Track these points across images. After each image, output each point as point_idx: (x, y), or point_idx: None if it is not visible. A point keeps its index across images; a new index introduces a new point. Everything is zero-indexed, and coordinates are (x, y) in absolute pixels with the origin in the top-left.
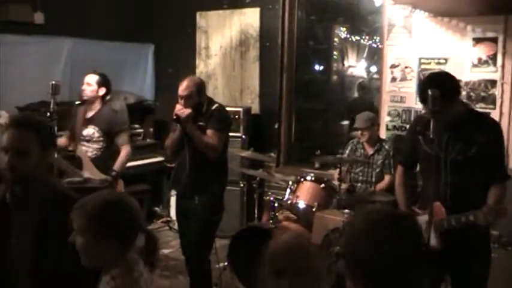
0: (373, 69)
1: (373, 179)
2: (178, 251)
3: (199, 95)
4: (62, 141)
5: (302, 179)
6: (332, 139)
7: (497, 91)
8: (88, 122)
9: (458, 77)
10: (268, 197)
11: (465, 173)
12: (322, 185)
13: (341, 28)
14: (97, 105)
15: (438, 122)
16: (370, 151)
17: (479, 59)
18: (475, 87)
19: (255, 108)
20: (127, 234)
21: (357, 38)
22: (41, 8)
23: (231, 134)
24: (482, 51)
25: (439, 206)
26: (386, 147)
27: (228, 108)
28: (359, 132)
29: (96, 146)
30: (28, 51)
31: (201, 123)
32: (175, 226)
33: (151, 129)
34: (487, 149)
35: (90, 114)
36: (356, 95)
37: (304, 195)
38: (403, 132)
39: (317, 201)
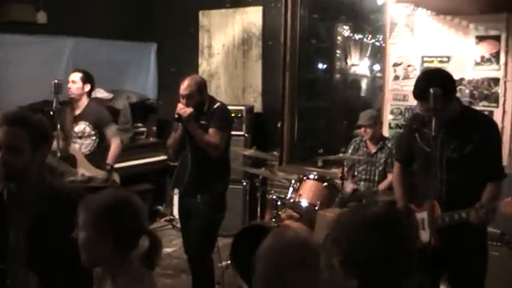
0: (377, 67)
1: (376, 178)
2: (181, 250)
3: (200, 94)
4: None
5: (305, 178)
6: (335, 138)
7: (500, 89)
8: (78, 118)
9: (461, 75)
10: (270, 196)
11: (460, 171)
12: (325, 184)
13: (344, 26)
14: (84, 102)
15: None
16: (373, 149)
17: (482, 57)
18: (478, 85)
19: (258, 107)
20: (130, 234)
21: (360, 36)
22: (44, 8)
23: (233, 132)
24: (485, 49)
25: (434, 203)
26: (389, 145)
27: (230, 107)
28: (362, 130)
29: (88, 141)
30: (31, 50)
31: (202, 122)
32: (178, 225)
33: (154, 128)
34: (483, 148)
35: (78, 111)
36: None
37: (306, 194)
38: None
39: (320, 199)
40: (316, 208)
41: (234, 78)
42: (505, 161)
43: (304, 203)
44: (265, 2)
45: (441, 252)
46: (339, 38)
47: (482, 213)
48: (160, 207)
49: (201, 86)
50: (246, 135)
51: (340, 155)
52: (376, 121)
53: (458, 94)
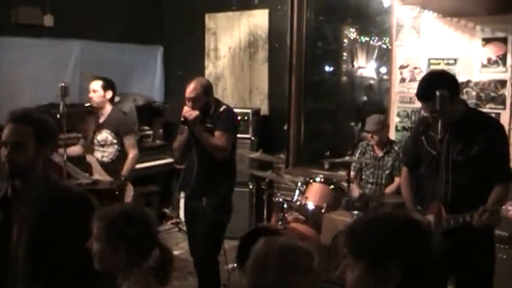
0: (383, 70)
1: (383, 181)
2: (188, 252)
3: (206, 97)
4: (75, 149)
5: (311, 180)
6: (341, 140)
7: (507, 91)
8: (101, 126)
9: (467, 78)
10: (277, 198)
11: (466, 173)
12: (331, 186)
13: (350, 29)
14: (107, 109)
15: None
16: (379, 153)
17: (489, 59)
18: (485, 87)
19: (264, 110)
20: (141, 248)
21: (366, 39)
22: (51, 11)
23: (240, 135)
24: (491, 51)
25: (439, 206)
26: (396, 148)
27: (236, 110)
28: (369, 135)
29: (111, 149)
30: (37, 53)
31: (208, 125)
32: (185, 227)
33: (160, 131)
34: (489, 150)
35: (102, 119)
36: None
37: (313, 197)
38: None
39: (326, 202)
40: (323, 211)
41: (240, 81)
42: None
43: (311, 205)
44: (272, 5)
45: (448, 254)
46: (346, 40)
47: (485, 216)
48: (166, 210)
49: (207, 89)
50: (253, 138)
51: (347, 157)
52: (383, 126)
53: (465, 96)
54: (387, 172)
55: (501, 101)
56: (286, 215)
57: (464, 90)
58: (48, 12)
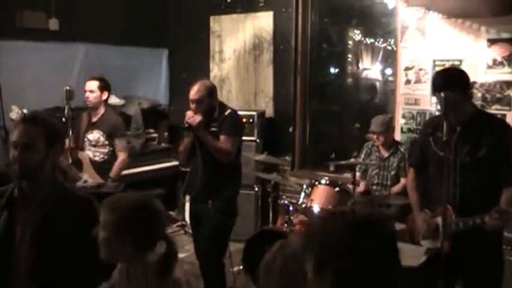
0: (388, 71)
1: (389, 182)
2: (193, 255)
3: (210, 99)
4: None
5: (316, 183)
6: (347, 142)
7: None
8: (93, 126)
9: (473, 79)
10: (282, 201)
11: (474, 175)
12: (337, 189)
13: (355, 31)
14: (101, 110)
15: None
16: (385, 154)
17: (494, 60)
18: (490, 88)
19: (269, 112)
20: (149, 238)
21: (371, 40)
22: (56, 15)
23: (245, 138)
24: (497, 52)
25: (448, 208)
26: (402, 150)
27: (242, 112)
28: (374, 136)
29: (103, 150)
30: (43, 57)
31: (213, 129)
32: (190, 230)
33: (165, 134)
34: (497, 152)
35: (94, 119)
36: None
37: (318, 199)
38: (418, 135)
39: (332, 204)
40: None
41: (245, 83)
42: None
43: (316, 208)
44: (276, 7)
45: (456, 257)
46: (350, 42)
47: (495, 219)
48: (172, 213)
49: (211, 91)
50: (258, 140)
51: (352, 159)
52: (389, 127)
53: None
54: (393, 173)
55: (507, 102)
56: (291, 218)
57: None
58: (53, 16)
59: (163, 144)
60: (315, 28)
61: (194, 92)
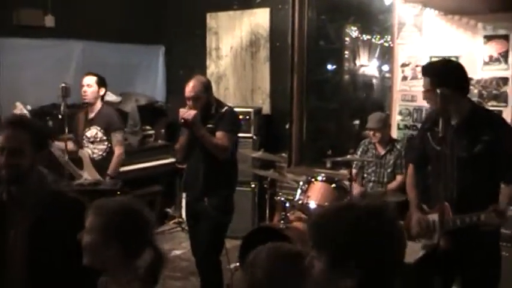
0: (385, 68)
1: (385, 179)
2: (190, 252)
3: (206, 94)
4: (69, 145)
5: (313, 179)
6: (343, 139)
7: (509, 89)
8: (91, 123)
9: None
10: (279, 198)
11: (471, 171)
12: (333, 185)
13: (352, 27)
14: (98, 105)
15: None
16: (382, 151)
17: (491, 57)
18: (487, 85)
19: (266, 109)
20: (135, 244)
21: (368, 37)
22: (52, 12)
23: (242, 134)
24: (493, 48)
25: (446, 205)
26: (398, 147)
27: (239, 109)
28: (371, 133)
29: (101, 146)
30: (39, 54)
31: (210, 126)
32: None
33: (162, 131)
34: (494, 148)
35: (91, 115)
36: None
37: (315, 196)
38: (414, 132)
39: (328, 201)
40: None
41: (242, 80)
42: None
43: (313, 204)
44: (273, 4)
45: (453, 254)
46: (347, 38)
47: (491, 216)
48: (169, 210)
49: (207, 86)
50: (255, 137)
51: (349, 156)
52: (385, 124)
53: None
54: (389, 170)
55: (503, 98)
56: (288, 214)
57: None
58: (50, 13)
59: (160, 141)
60: (311, 25)
61: (189, 88)
